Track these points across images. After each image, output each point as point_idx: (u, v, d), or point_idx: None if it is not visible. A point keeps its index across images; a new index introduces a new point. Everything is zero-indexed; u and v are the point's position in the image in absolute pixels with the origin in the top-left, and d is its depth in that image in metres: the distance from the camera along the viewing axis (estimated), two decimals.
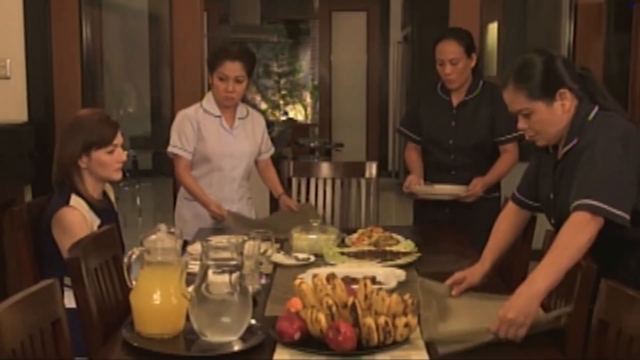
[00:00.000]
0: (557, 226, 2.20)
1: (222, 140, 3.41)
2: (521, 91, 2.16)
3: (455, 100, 3.43)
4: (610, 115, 2.16)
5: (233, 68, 3.31)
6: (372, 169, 3.83)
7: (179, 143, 3.38)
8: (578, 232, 1.96)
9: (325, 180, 3.84)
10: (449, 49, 3.31)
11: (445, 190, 3.34)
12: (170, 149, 3.40)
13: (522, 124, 2.21)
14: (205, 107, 3.43)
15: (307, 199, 3.80)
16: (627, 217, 1.99)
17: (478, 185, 3.32)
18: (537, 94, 2.14)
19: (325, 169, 3.89)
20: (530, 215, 2.48)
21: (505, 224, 2.44)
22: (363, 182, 3.82)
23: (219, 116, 3.42)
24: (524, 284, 1.92)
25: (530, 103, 2.16)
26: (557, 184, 2.24)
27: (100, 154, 2.59)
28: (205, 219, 3.42)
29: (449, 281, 2.27)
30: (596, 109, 2.17)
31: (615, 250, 2.15)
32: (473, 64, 3.38)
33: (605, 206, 1.97)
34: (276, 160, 3.92)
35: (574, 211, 2.00)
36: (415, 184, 3.38)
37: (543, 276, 1.91)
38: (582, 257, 1.96)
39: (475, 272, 2.29)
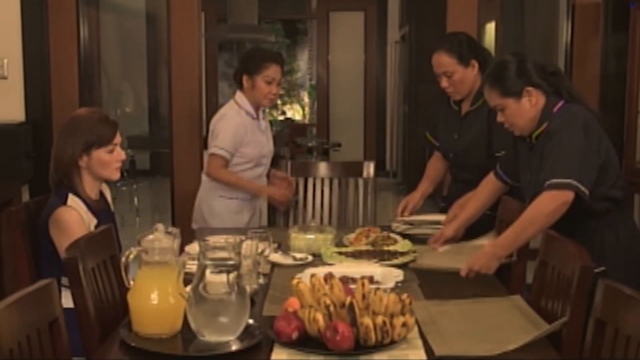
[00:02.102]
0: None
1: (260, 142, 3.53)
2: (494, 90, 2.53)
3: (463, 110, 3.21)
4: (573, 106, 2.48)
5: (277, 71, 3.45)
6: (369, 169, 3.83)
7: (227, 146, 3.42)
8: (545, 206, 2.33)
9: (323, 180, 3.84)
10: (441, 62, 3.09)
11: (422, 230, 3.07)
12: (217, 151, 3.42)
13: (499, 117, 2.56)
14: (246, 109, 3.49)
15: (305, 198, 3.81)
16: (587, 192, 2.34)
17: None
18: (507, 92, 2.50)
19: (323, 168, 3.89)
20: (507, 187, 2.83)
21: (484, 194, 2.83)
22: (361, 181, 3.82)
23: (256, 118, 3.52)
24: (490, 245, 2.42)
25: (502, 100, 2.52)
26: (532, 167, 2.54)
27: (100, 153, 2.60)
28: (244, 214, 3.52)
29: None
30: (562, 102, 2.49)
31: (588, 224, 2.46)
32: (475, 71, 3.10)
33: (572, 181, 2.32)
34: (274, 159, 3.93)
35: (544, 190, 2.34)
36: (403, 215, 3.21)
37: (507, 244, 2.40)
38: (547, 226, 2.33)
39: (451, 227, 2.80)
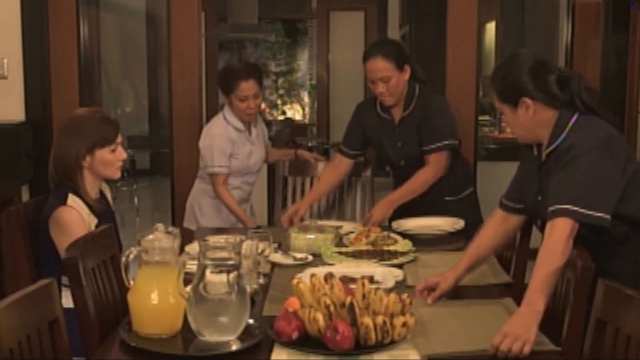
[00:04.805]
0: (543, 228, 2.21)
1: (247, 153, 3.60)
2: (494, 93, 2.30)
3: (396, 117, 3.27)
4: (591, 119, 2.20)
5: (249, 87, 3.49)
6: (367, 168, 3.84)
7: (221, 162, 3.51)
8: (562, 242, 2.00)
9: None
10: (378, 67, 3.12)
11: (423, 230, 3.05)
12: (216, 170, 3.51)
13: (503, 121, 2.40)
14: (233, 124, 3.57)
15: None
16: (608, 217, 2.06)
17: (373, 214, 3.15)
18: (502, 98, 2.27)
19: (320, 168, 3.89)
20: (522, 220, 2.46)
21: (489, 231, 2.45)
22: (358, 180, 3.83)
23: (243, 131, 3.59)
24: (524, 305, 1.94)
25: (500, 104, 2.31)
26: (542, 186, 2.28)
27: (104, 153, 2.61)
28: (227, 216, 3.59)
29: (419, 286, 2.26)
30: (576, 115, 2.21)
31: (606, 250, 2.20)
32: (407, 76, 3.18)
33: (585, 211, 2.03)
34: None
35: (554, 216, 2.04)
36: (291, 220, 3.22)
37: (539, 296, 1.93)
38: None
39: (448, 277, 2.28)
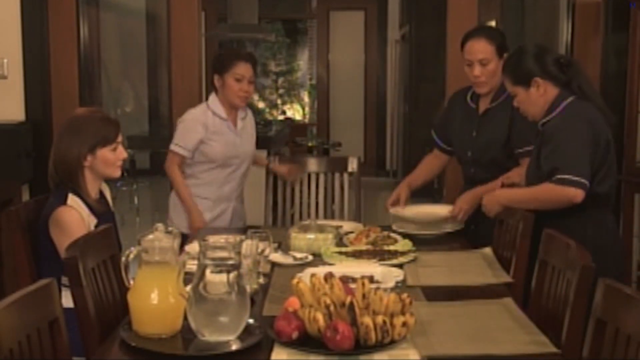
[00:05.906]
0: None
1: (229, 142, 3.50)
2: (507, 78, 2.74)
3: (482, 108, 3.15)
4: (582, 104, 2.62)
5: (247, 68, 3.46)
6: (353, 164, 3.88)
7: (183, 143, 3.45)
8: (559, 197, 2.50)
9: (309, 175, 3.88)
10: (479, 48, 3.02)
11: (424, 230, 3.05)
12: (173, 147, 3.46)
13: (515, 102, 2.75)
14: (213, 110, 3.49)
15: (293, 193, 3.85)
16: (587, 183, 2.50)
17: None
18: (515, 81, 2.70)
19: (308, 164, 3.92)
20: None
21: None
22: (345, 176, 3.86)
23: (225, 119, 3.50)
24: (494, 194, 2.82)
25: (513, 87, 2.72)
26: (534, 151, 2.72)
27: (105, 152, 2.62)
28: (204, 213, 3.49)
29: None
30: (572, 97, 2.63)
31: (567, 215, 2.56)
32: None
33: (584, 180, 2.48)
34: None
35: (563, 184, 2.49)
36: (394, 206, 3.21)
37: (501, 191, 2.81)
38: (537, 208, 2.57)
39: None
